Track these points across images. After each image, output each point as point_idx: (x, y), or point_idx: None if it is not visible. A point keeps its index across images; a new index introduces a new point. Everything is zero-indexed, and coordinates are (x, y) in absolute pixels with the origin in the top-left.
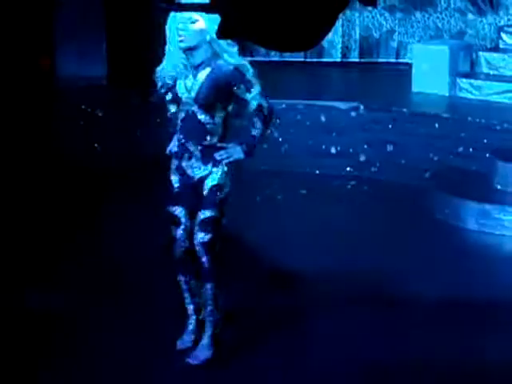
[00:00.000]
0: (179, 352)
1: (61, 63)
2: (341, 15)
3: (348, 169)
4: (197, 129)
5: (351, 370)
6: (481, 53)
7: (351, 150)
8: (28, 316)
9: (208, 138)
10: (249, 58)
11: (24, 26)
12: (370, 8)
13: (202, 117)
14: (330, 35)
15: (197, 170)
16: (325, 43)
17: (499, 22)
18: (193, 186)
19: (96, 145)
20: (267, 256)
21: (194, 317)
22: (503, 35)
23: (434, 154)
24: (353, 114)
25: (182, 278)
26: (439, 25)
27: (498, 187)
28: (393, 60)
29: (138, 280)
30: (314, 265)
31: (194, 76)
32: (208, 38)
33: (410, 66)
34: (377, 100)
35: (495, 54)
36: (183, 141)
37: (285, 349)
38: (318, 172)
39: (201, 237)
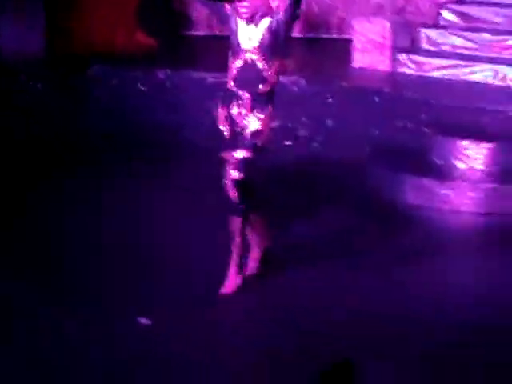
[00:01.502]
0: None
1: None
2: None
3: (287, 143)
4: (253, 77)
5: None
6: (421, 29)
7: (290, 125)
8: None
9: (261, 85)
10: None
11: None
12: None
13: (260, 65)
14: None
15: (245, 117)
16: None
17: None
18: (239, 133)
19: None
20: None
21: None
22: (443, 12)
23: (375, 129)
24: (295, 88)
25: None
26: (380, 1)
27: (436, 161)
28: (334, 36)
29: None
30: None
31: (256, 25)
32: None
33: (350, 41)
34: (318, 75)
35: (435, 31)
36: (235, 88)
37: None
38: None
39: (233, 175)
